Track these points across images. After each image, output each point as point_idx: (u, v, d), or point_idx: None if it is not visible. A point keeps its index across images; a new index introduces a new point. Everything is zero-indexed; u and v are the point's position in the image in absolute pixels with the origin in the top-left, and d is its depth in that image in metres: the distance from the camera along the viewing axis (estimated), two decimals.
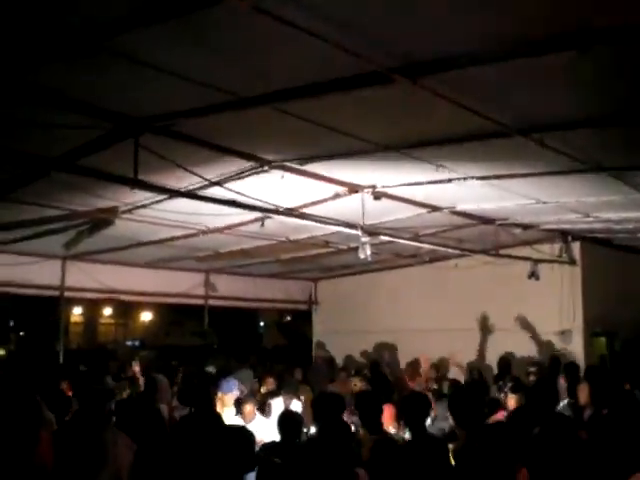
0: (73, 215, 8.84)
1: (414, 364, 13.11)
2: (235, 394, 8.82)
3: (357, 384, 10.24)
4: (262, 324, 47.13)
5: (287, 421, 6.86)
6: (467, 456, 5.23)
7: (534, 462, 3.00)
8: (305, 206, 9.12)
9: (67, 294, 13.09)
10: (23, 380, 10.09)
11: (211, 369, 12.21)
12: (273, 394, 10.64)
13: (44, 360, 14.39)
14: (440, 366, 13.51)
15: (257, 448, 5.92)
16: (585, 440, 4.15)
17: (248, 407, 8.78)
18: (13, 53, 4.66)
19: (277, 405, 9.75)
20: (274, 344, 34.85)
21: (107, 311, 46.18)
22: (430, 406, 7.02)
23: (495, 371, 13.05)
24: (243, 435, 5.31)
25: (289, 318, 38.87)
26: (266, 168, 7.48)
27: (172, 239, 11.16)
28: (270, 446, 6.67)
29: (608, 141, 6.84)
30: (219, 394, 8.58)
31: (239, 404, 8.99)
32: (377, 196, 8.64)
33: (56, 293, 12.91)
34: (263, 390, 11.40)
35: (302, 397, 10.06)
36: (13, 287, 12.11)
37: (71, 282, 12.80)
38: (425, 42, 4.57)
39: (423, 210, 9.86)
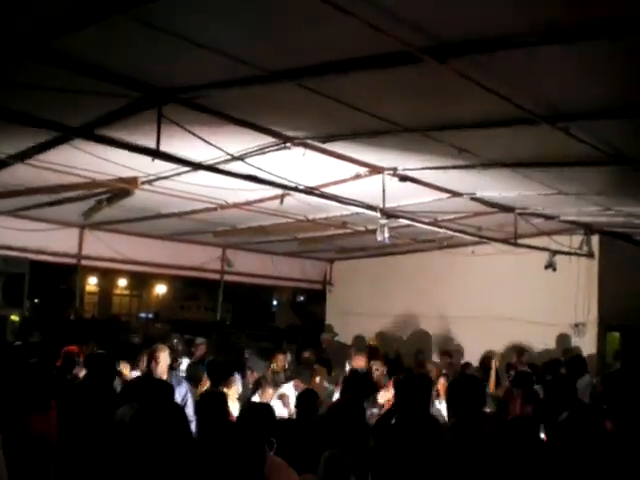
0: (93, 184, 8.85)
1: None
2: (238, 388, 8.84)
3: (378, 368, 10.16)
4: (275, 303, 47.29)
5: (306, 399, 6.98)
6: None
7: (560, 448, 2.99)
8: (325, 185, 9.09)
9: (84, 262, 13.16)
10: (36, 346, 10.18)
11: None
12: (285, 378, 10.68)
13: (58, 327, 14.47)
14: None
15: None
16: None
17: (270, 391, 8.84)
18: (38, 18, 4.65)
19: (287, 390, 9.73)
20: (286, 323, 34.90)
21: (122, 282, 46.52)
22: (430, 389, 6.98)
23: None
24: None
25: (302, 298, 38.96)
26: (288, 145, 7.46)
27: (191, 212, 11.18)
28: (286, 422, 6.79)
29: (633, 133, 6.76)
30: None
31: (258, 386, 9.20)
32: (402, 178, 8.60)
33: (73, 261, 12.98)
34: (274, 367, 11.43)
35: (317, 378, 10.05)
36: (30, 253, 12.16)
37: (88, 251, 12.89)
38: (457, 23, 4.51)
39: (443, 195, 9.81)
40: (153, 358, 8.06)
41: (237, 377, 8.96)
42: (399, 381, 7.01)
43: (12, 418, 5.64)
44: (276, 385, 9.87)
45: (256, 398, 8.72)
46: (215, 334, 14.81)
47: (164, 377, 7.75)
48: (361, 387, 7.16)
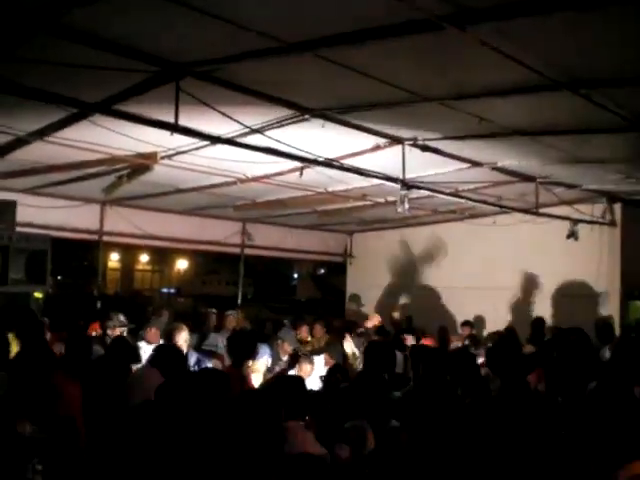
0: (112, 159, 8.86)
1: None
2: (266, 360, 8.84)
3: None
4: (296, 276, 47.51)
5: (335, 373, 7.09)
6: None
7: (589, 416, 3.02)
8: (345, 157, 9.03)
9: (105, 239, 13.20)
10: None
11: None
12: (316, 351, 10.74)
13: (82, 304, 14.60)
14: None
15: None
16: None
17: (307, 367, 8.85)
18: None
19: (318, 362, 9.76)
20: (307, 296, 35.02)
21: (144, 258, 46.87)
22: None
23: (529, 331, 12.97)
24: None
25: (323, 271, 39.06)
26: (307, 117, 7.42)
27: (210, 187, 11.17)
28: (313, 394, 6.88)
29: None
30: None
31: (295, 360, 9.30)
32: (422, 148, 8.55)
33: (94, 237, 13.02)
34: (298, 338, 11.48)
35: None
36: (51, 230, 12.19)
37: (109, 227, 12.89)
38: None
39: (463, 165, 9.74)
40: (170, 337, 8.11)
41: (266, 350, 8.92)
42: (413, 349, 7.09)
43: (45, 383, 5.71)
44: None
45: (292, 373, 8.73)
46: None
47: None
48: (381, 359, 7.16)
